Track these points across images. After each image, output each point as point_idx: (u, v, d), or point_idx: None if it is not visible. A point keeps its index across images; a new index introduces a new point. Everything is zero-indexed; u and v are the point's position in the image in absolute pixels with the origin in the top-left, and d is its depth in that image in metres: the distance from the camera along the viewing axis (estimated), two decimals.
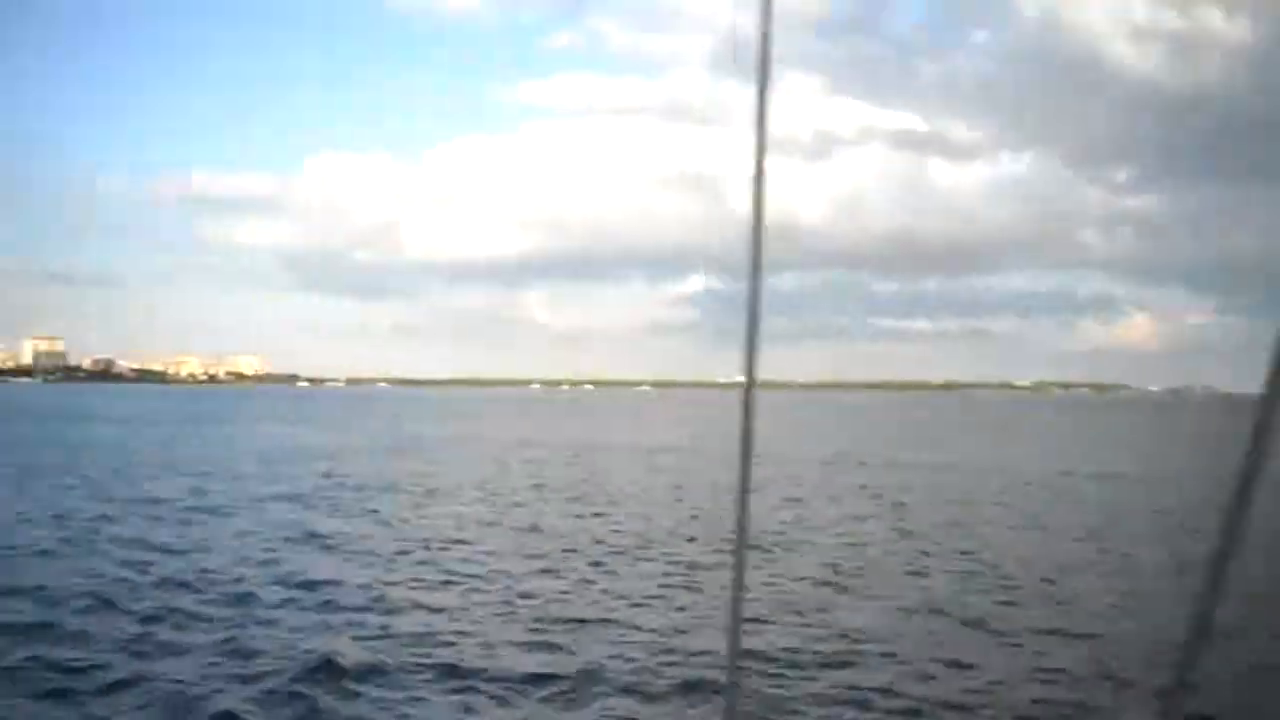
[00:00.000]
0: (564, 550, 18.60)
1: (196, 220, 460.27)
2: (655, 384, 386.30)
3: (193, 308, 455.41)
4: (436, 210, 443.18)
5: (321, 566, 16.76)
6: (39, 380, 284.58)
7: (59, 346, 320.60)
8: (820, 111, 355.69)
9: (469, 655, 11.41)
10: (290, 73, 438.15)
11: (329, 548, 18.78)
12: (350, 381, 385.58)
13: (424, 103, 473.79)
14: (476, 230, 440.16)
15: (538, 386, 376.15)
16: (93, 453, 40.62)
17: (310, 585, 15.06)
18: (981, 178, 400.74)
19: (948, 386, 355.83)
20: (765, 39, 1.97)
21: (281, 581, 15.31)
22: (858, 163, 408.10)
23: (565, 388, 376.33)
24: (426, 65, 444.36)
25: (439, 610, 13.64)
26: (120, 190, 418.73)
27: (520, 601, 14.22)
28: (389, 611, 13.53)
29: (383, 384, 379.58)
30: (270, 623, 12.72)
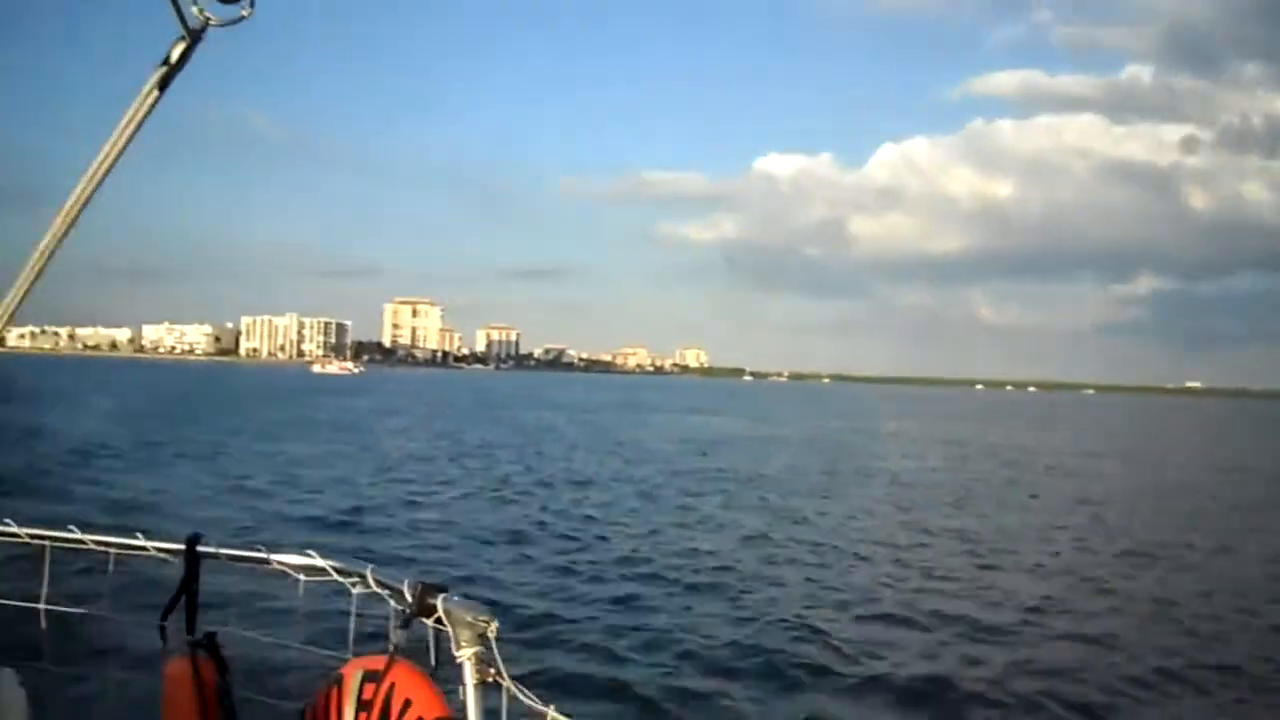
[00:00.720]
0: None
1: (648, 217, 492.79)
2: (1099, 388, 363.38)
3: (642, 300, 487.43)
4: (881, 208, 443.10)
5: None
6: (491, 368, 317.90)
7: (512, 335, 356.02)
8: (1274, 103, 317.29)
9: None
10: (737, 75, 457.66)
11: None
12: (793, 377, 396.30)
13: (867, 102, 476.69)
14: (921, 228, 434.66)
15: (980, 388, 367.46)
16: (538, 434, 46.34)
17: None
18: None
19: None
20: None
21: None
22: None
23: (1009, 389, 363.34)
24: (869, 63, 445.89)
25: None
26: (578, 189, 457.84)
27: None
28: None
29: (825, 379, 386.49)
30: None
